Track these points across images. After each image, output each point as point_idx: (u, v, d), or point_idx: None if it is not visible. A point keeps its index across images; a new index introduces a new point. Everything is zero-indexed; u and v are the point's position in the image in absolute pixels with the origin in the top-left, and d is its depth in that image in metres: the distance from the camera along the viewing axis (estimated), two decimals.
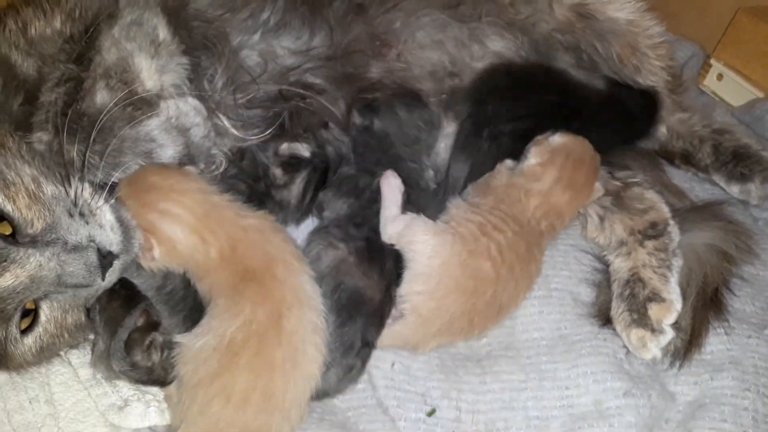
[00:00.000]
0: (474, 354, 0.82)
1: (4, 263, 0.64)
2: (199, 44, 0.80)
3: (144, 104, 0.74)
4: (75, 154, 0.70)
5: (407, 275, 0.79)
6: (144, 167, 0.73)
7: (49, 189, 0.69)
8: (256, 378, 0.68)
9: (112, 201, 0.71)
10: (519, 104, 0.93)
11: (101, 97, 0.72)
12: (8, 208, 0.66)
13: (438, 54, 0.95)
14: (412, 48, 0.94)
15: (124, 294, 0.76)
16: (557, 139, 0.86)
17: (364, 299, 0.77)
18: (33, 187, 0.68)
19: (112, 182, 0.71)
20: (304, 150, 0.88)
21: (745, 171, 1.01)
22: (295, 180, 0.90)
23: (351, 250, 0.80)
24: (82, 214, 0.68)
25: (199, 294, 0.73)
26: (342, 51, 0.89)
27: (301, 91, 0.87)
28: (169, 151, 0.75)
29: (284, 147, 0.88)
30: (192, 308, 0.75)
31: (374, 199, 0.85)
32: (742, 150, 1.03)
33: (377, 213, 0.83)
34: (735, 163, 1.02)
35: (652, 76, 1.05)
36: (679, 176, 1.06)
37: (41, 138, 0.71)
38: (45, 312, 0.70)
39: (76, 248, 0.66)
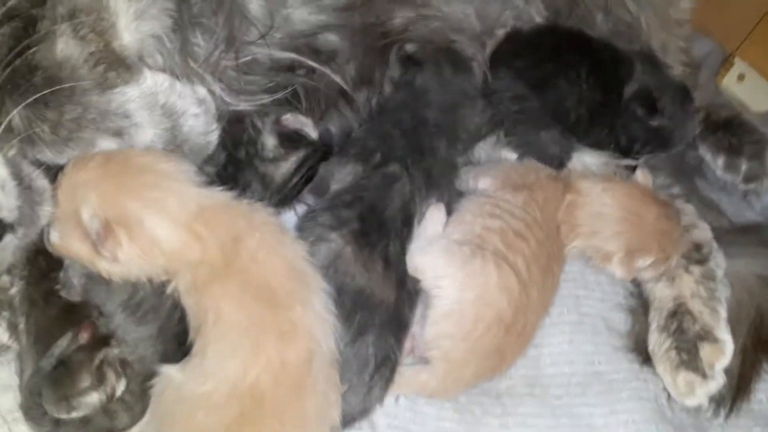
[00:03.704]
0: (492, 388, 0.69)
1: None
2: None
3: (121, 66, 0.56)
4: (19, 120, 0.51)
5: (433, 314, 0.65)
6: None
7: None
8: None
9: (12, 152, 0.55)
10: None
11: (65, 47, 0.54)
12: None
13: (464, 6, 0.80)
14: None
15: (63, 302, 0.58)
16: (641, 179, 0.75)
17: (373, 302, 0.64)
18: None
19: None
20: (311, 129, 0.72)
21: (734, 141, 0.91)
22: (290, 157, 0.74)
23: (346, 238, 0.65)
24: None
25: (185, 309, 0.56)
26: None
27: (311, 62, 0.71)
28: (147, 133, 0.58)
29: (289, 118, 0.72)
30: (167, 317, 0.59)
31: (382, 163, 0.71)
32: (735, 119, 0.93)
33: (379, 181, 0.69)
34: (725, 131, 0.92)
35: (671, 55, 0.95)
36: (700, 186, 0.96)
37: None
38: None
39: None
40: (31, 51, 0.54)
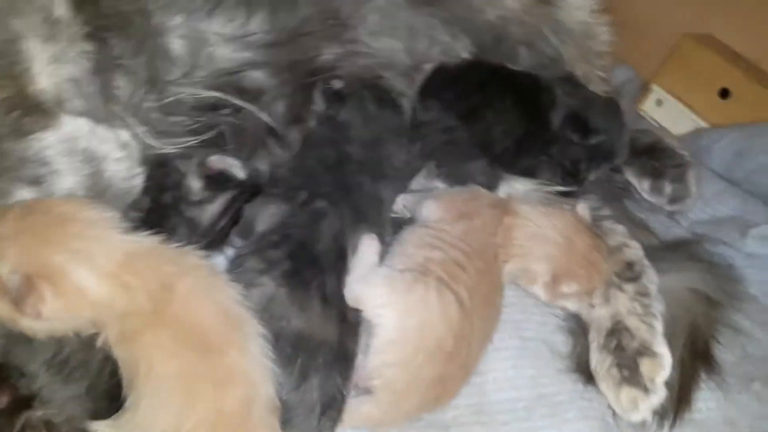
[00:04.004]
0: (438, 419, 0.68)
1: None
2: (110, 23, 0.61)
3: (37, 111, 0.55)
4: None
5: (375, 343, 0.63)
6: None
7: None
8: None
9: None
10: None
11: None
12: None
13: (393, 42, 0.82)
14: (367, 32, 0.80)
15: None
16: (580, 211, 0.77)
17: (314, 343, 0.62)
18: None
19: None
20: (238, 169, 0.71)
21: (657, 165, 0.94)
22: (216, 199, 0.73)
23: (278, 280, 0.64)
24: None
25: (118, 362, 0.53)
26: (287, 35, 0.73)
27: (236, 101, 0.69)
28: (67, 180, 0.56)
29: (214, 159, 0.71)
30: (97, 373, 0.56)
31: (308, 200, 0.70)
32: (658, 144, 0.97)
33: (306, 218, 0.69)
34: (648, 156, 0.95)
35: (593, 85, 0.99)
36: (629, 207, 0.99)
37: None
38: None
39: None
40: None
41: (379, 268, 0.67)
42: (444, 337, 0.63)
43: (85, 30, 0.60)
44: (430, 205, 0.74)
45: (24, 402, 0.55)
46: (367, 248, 0.68)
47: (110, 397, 0.56)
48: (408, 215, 0.76)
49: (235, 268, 0.66)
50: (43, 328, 0.53)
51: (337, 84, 0.77)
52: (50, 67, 0.56)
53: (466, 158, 0.83)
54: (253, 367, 0.55)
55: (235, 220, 0.74)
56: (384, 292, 0.64)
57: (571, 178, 0.89)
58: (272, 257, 0.65)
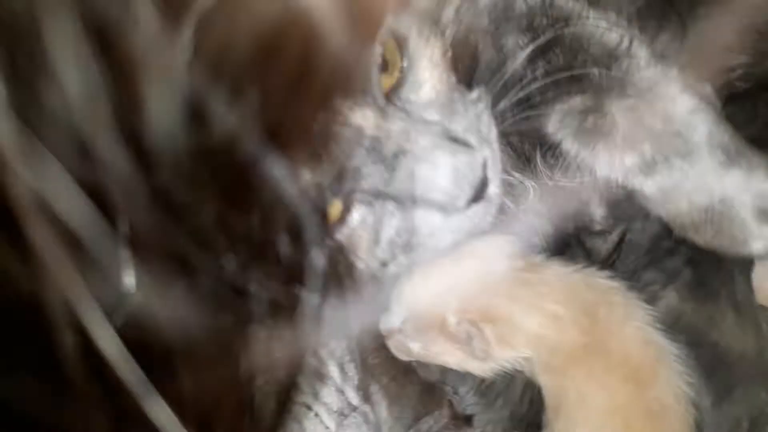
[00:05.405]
0: None
1: None
2: None
3: None
4: None
5: None
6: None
7: None
8: None
9: None
10: None
11: None
12: None
13: None
14: None
15: (421, 378, 0.61)
16: None
17: (731, 357, 0.58)
18: None
19: None
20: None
21: None
22: (617, 228, 0.70)
23: (681, 293, 0.60)
24: None
25: (541, 389, 0.56)
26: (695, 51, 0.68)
27: None
28: None
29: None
30: (518, 401, 0.59)
31: None
32: None
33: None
34: None
35: None
36: None
37: None
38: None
39: None
40: None
41: None
42: None
43: None
44: None
45: (464, 419, 0.60)
46: None
47: (529, 422, 0.58)
48: None
49: (632, 283, 0.61)
50: (489, 368, 0.55)
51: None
52: None
53: None
54: (678, 397, 0.53)
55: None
56: None
57: None
58: (670, 268, 0.62)
